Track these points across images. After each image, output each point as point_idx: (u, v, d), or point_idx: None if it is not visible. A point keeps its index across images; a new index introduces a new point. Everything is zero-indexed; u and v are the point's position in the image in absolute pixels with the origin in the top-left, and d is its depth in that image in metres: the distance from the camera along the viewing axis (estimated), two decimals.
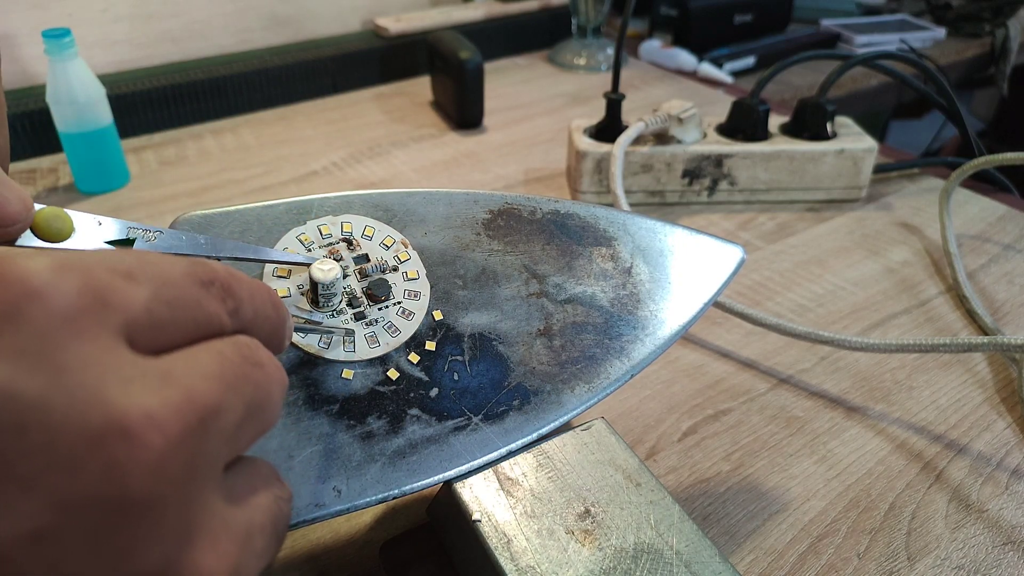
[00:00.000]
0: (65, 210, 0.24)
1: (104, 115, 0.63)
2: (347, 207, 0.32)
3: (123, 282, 0.15)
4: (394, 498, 0.27)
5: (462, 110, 0.77)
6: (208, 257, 0.27)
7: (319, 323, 0.29)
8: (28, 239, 0.23)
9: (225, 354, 0.16)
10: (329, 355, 0.28)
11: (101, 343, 0.14)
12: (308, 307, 0.29)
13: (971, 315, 0.50)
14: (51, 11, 0.76)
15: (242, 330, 0.18)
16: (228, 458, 0.16)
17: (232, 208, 0.31)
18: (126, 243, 0.25)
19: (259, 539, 0.16)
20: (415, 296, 0.31)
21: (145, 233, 0.25)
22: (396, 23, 0.90)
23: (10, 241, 0.23)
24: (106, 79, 0.74)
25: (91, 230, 0.24)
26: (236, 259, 0.28)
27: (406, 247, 0.32)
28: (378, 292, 0.30)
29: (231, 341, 0.17)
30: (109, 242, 0.24)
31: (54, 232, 0.23)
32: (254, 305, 0.19)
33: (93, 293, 0.14)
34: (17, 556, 0.12)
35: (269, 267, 0.30)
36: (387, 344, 0.29)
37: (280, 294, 0.29)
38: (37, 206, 0.23)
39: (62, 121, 0.61)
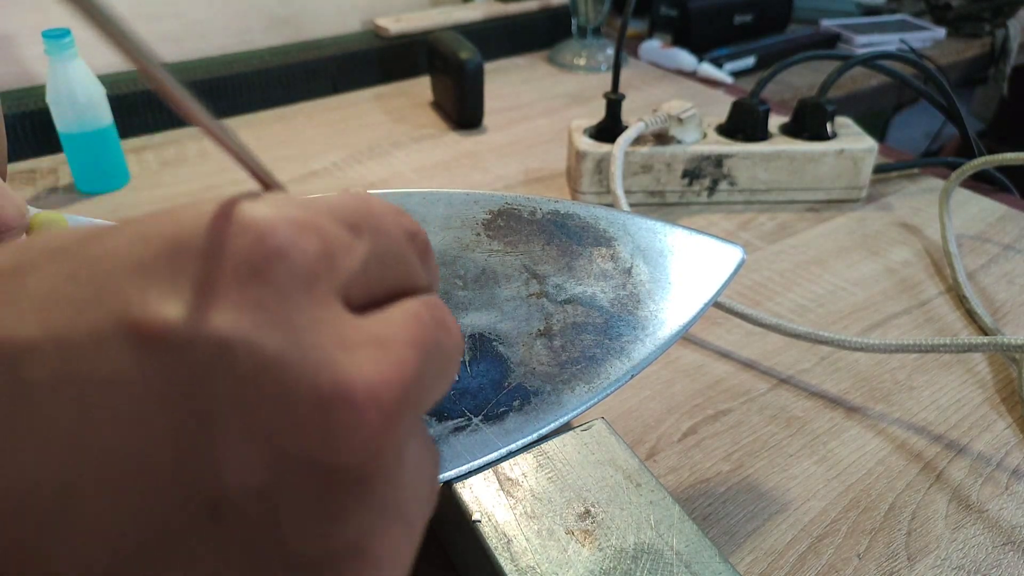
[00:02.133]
0: (62, 214, 0.24)
1: (104, 115, 0.63)
2: None
3: (349, 237, 0.15)
4: None
5: (462, 110, 0.77)
6: None
7: None
8: None
9: (422, 318, 0.16)
10: None
11: (330, 305, 0.14)
12: None
13: (971, 315, 0.50)
14: (51, 11, 0.76)
15: (430, 288, 0.18)
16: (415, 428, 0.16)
17: None
18: None
19: (424, 511, 0.16)
20: None
21: None
22: (396, 23, 0.90)
23: None
24: (106, 79, 0.74)
25: None
26: None
27: None
28: None
29: (425, 302, 0.17)
30: None
31: None
32: (433, 262, 0.19)
33: (327, 254, 0.14)
34: (247, 508, 0.12)
35: None
36: None
37: None
38: (33, 210, 0.23)
39: (62, 121, 0.61)
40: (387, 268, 0.16)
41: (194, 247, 0.13)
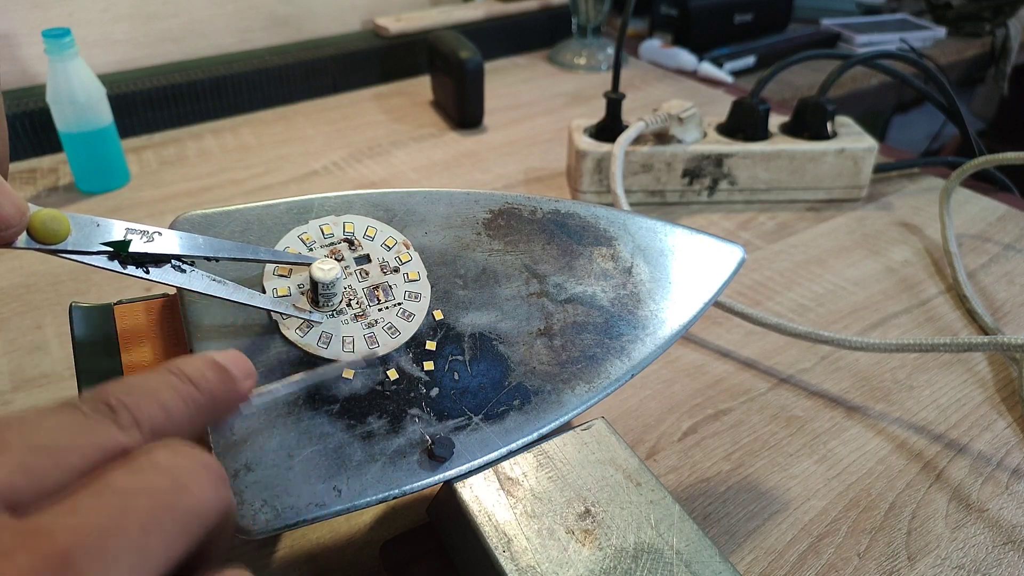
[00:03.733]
0: (63, 212, 0.24)
1: (104, 115, 0.63)
2: (347, 207, 0.32)
3: None
4: (394, 498, 0.27)
5: (462, 110, 0.77)
6: (206, 258, 0.27)
7: (319, 322, 0.29)
8: (25, 241, 0.23)
9: (112, 483, 0.16)
10: (328, 355, 0.28)
11: None
12: (308, 306, 0.29)
13: (971, 315, 0.50)
14: (51, 11, 0.76)
15: (153, 433, 0.18)
16: (144, 566, 0.16)
17: (232, 208, 0.31)
18: (122, 245, 0.25)
19: None
20: (416, 298, 0.31)
21: (143, 234, 0.25)
22: (396, 23, 0.90)
23: (7, 244, 0.23)
24: (106, 79, 0.74)
25: (89, 232, 0.24)
26: (235, 259, 0.28)
27: (408, 248, 0.32)
28: (441, 452, 0.27)
29: (133, 466, 0.17)
30: (106, 243, 0.24)
31: (50, 234, 0.23)
32: (161, 400, 0.19)
33: None
34: None
35: (270, 266, 0.30)
36: (386, 345, 0.29)
37: (280, 293, 0.29)
38: (34, 208, 0.23)
39: (62, 121, 0.61)
40: (60, 456, 0.17)
41: None
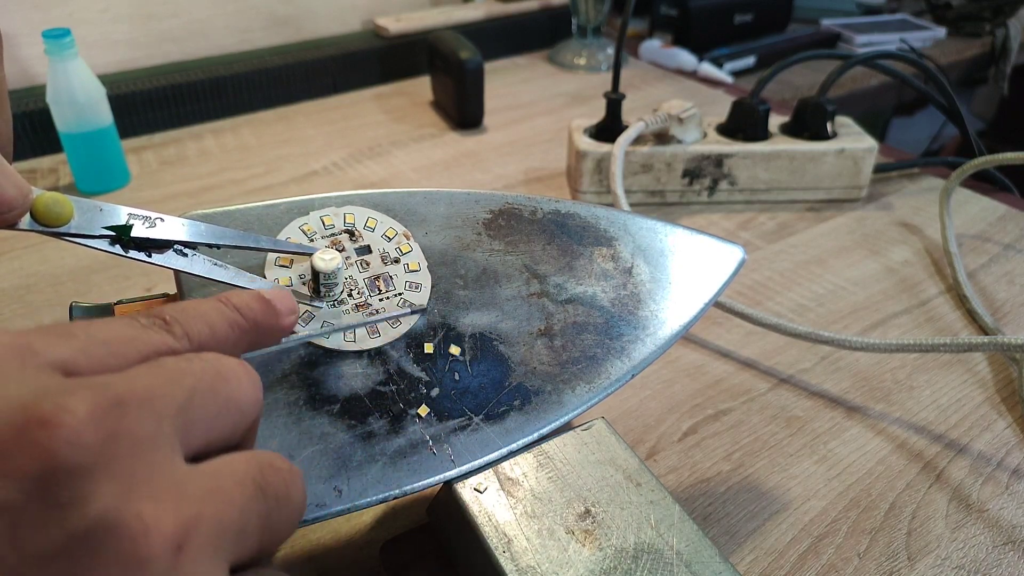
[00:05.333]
0: (67, 196, 0.24)
1: (104, 115, 0.63)
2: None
3: (49, 336, 0.17)
4: (394, 498, 0.27)
5: (462, 110, 0.77)
6: (208, 245, 0.27)
7: (320, 308, 0.29)
8: (28, 223, 0.23)
9: (164, 363, 0.18)
10: (329, 344, 0.28)
11: (28, 371, 0.16)
12: (309, 296, 0.29)
13: (971, 315, 0.50)
14: (51, 11, 0.76)
15: (200, 347, 0.21)
16: (189, 430, 0.18)
17: (233, 208, 0.31)
18: (125, 229, 0.25)
19: (231, 497, 0.18)
20: (416, 288, 0.31)
21: (146, 219, 0.26)
22: (396, 23, 0.90)
23: (10, 226, 0.23)
24: (106, 79, 0.74)
25: (92, 216, 0.24)
26: (237, 247, 0.28)
27: (408, 239, 0.32)
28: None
29: (182, 356, 0.19)
30: (107, 227, 0.25)
31: (53, 216, 0.23)
32: (209, 321, 0.21)
33: (17, 346, 0.17)
34: None
35: (271, 256, 0.30)
36: (387, 335, 0.29)
37: (282, 283, 0.29)
38: (37, 191, 0.23)
39: (62, 121, 0.61)
40: (115, 347, 0.18)
41: None
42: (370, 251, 0.31)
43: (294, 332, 0.28)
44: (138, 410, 0.17)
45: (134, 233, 0.25)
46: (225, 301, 0.23)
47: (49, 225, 0.23)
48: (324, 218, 0.31)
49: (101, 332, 0.19)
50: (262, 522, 0.18)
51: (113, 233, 0.25)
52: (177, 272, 0.27)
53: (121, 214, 0.25)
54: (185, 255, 0.27)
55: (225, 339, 0.22)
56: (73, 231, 0.24)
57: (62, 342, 0.18)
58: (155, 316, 0.20)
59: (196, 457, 0.18)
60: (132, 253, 0.25)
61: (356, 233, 0.31)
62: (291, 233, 0.31)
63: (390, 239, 0.32)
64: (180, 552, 0.16)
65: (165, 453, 0.17)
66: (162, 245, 0.26)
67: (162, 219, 0.26)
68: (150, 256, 0.26)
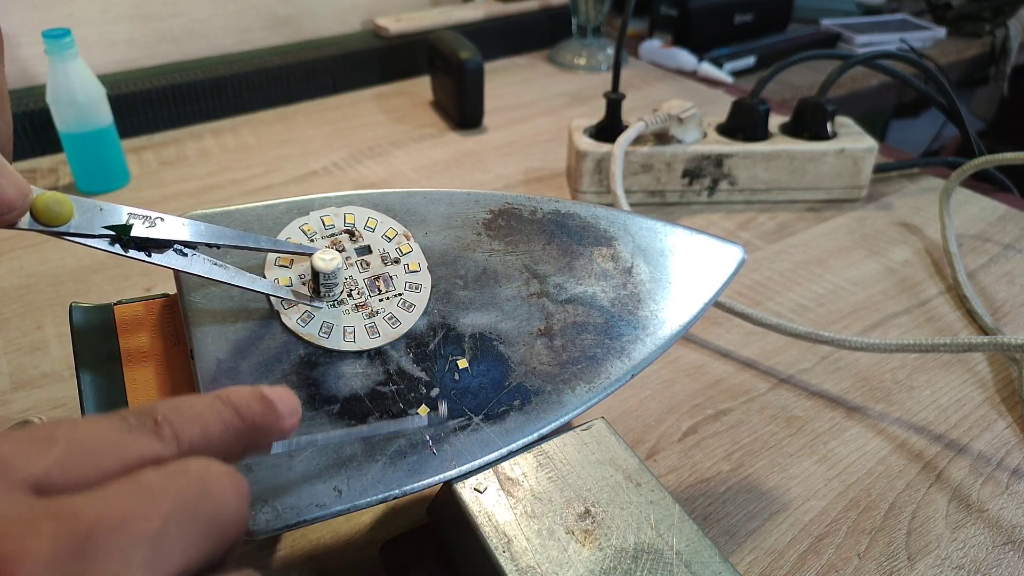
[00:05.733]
0: (67, 195, 0.24)
1: (104, 115, 0.63)
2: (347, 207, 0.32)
3: (28, 447, 0.17)
4: (394, 498, 0.27)
5: (462, 110, 0.77)
6: (208, 244, 0.27)
7: (320, 308, 0.29)
8: (28, 223, 0.23)
9: (144, 479, 0.17)
10: (329, 344, 0.28)
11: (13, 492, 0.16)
12: (309, 296, 0.29)
13: (971, 315, 0.50)
14: (51, 11, 0.76)
15: (191, 450, 0.19)
16: (162, 559, 0.17)
17: (233, 208, 0.31)
18: (125, 228, 0.25)
19: None
20: (416, 288, 0.31)
21: (146, 219, 0.26)
22: (396, 23, 0.90)
23: (10, 225, 0.23)
24: (106, 79, 0.74)
25: (92, 215, 0.24)
26: (237, 247, 0.28)
27: (408, 239, 0.32)
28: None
29: (166, 469, 0.18)
30: (107, 227, 0.25)
31: (53, 216, 0.23)
32: (203, 422, 0.20)
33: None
34: None
35: (271, 256, 0.30)
36: (387, 335, 0.29)
37: (281, 283, 0.29)
38: (37, 190, 0.23)
39: (62, 121, 0.61)
40: (97, 457, 0.18)
41: None
42: (370, 251, 0.31)
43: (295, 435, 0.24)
44: (106, 545, 0.15)
45: (134, 233, 0.25)
46: (224, 399, 0.21)
47: (49, 225, 0.23)
48: (324, 218, 0.31)
49: (84, 437, 0.18)
50: None
51: (113, 233, 0.25)
52: (177, 272, 0.27)
53: (121, 214, 0.25)
54: (185, 255, 0.27)
55: (218, 443, 0.20)
56: (73, 231, 0.24)
57: (40, 454, 0.17)
58: (146, 415, 0.19)
59: None
60: (132, 253, 0.25)
61: (356, 233, 0.31)
62: (291, 233, 0.31)
63: (390, 239, 0.32)
64: None
65: None
66: (162, 245, 0.26)
67: (162, 219, 0.26)
68: (150, 256, 0.26)
